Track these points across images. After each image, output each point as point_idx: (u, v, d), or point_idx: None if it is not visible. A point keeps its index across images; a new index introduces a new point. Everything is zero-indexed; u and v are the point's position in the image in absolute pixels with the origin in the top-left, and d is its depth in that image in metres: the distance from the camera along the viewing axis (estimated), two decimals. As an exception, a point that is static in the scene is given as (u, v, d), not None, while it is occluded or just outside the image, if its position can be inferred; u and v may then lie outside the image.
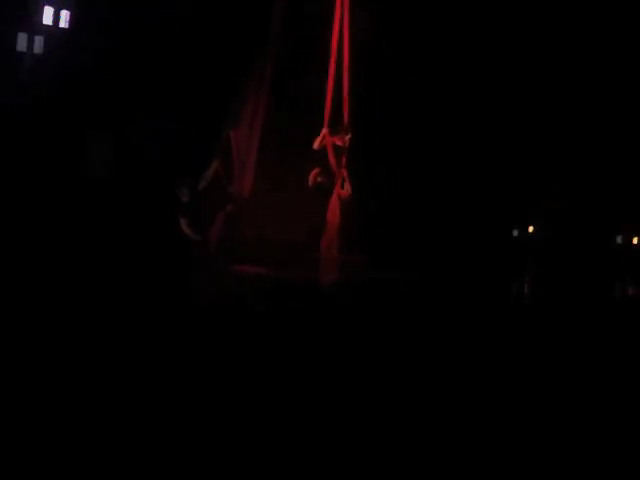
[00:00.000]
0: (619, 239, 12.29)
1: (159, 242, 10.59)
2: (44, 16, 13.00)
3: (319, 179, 10.28)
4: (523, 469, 4.28)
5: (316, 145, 10.29)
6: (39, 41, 13.52)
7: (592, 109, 12.14)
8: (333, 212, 10.17)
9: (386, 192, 11.77)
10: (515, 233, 12.60)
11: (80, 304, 7.58)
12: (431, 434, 4.68)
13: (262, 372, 5.68)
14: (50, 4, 12.84)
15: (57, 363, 5.61)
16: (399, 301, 8.85)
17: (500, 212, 11.86)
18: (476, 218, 11.75)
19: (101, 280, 8.82)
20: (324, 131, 10.26)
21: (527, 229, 11.37)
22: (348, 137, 10.36)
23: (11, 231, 10.46)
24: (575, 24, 12.10)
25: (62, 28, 13.02)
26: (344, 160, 10.35)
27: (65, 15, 12.88)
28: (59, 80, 12.19)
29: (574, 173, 12.15)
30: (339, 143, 10.29)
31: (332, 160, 10.22)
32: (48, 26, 13.12)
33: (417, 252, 10.93)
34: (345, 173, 10.41)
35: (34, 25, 13.04)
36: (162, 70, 12.06)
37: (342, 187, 10.32)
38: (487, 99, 12.16)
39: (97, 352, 5.95)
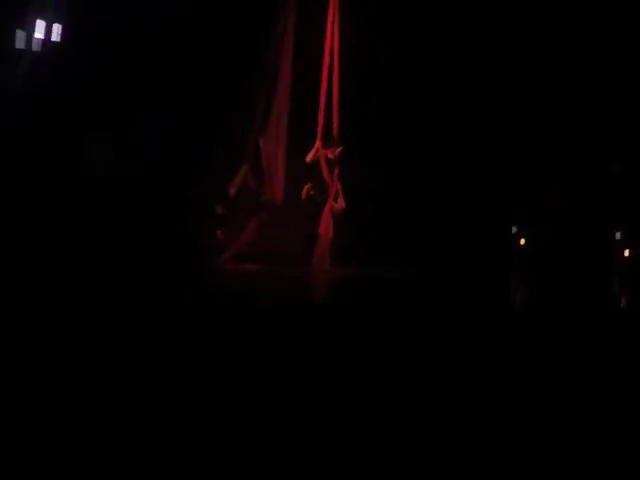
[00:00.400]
0: (618, 235, 12.26)
1: (159, 242, 10.61)
2: (36, 30, 12.83)
3: (311, 193, 10.34)
4: (522, 470, 4.30)
5: (309, 158, 10.34)
6: (38, 39, 13.43)
7: (592, 109, 12.13)
8: (325, 224, 10.21)
9: (383, 195, 11.77)
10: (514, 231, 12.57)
11: (80, 304, 7.60)
12: (430, 434, 4.70)
13: (262, 372, 5.71)
14: (42, 17, 12.67)
15: (58, 363, 5.64)
16: (398, 301, 8.87)
17: (499, 214, 11.85)
18: (474, 221, 11.74)
19: (101, 280, 8.85)
20: (317, 144, 10.31)
21: (520, 241, 11.38)
22: (339, 150, 10.39)
23: (11, 231, 10.46)
24: (574, 24, 12.08)
25: (55, 42, 12.84)
26: (337, 172, 10.38)
27: (57, 28, 12.74)
28: (59, 80, 12.17)
29: (574, 173, 12.14)
30: (330, 156, 10.33)
31: (325, 173, 10.26)
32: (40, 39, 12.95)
33: (414, 255, 10.94)
34: (339, 185, 10.44)
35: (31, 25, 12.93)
36: (162, 70, 12.04)
37: (336, 200, 10.35)
38: (485, 100, 12.14)
39: (97, 352, 5.98)
